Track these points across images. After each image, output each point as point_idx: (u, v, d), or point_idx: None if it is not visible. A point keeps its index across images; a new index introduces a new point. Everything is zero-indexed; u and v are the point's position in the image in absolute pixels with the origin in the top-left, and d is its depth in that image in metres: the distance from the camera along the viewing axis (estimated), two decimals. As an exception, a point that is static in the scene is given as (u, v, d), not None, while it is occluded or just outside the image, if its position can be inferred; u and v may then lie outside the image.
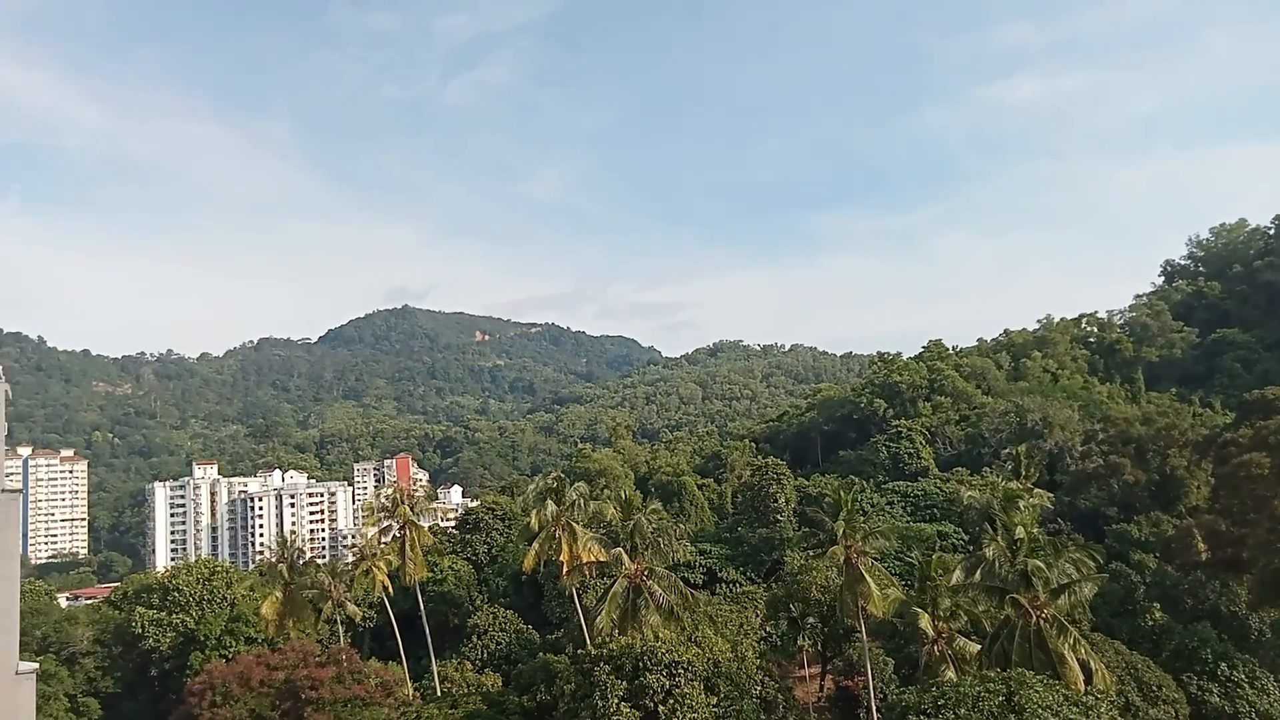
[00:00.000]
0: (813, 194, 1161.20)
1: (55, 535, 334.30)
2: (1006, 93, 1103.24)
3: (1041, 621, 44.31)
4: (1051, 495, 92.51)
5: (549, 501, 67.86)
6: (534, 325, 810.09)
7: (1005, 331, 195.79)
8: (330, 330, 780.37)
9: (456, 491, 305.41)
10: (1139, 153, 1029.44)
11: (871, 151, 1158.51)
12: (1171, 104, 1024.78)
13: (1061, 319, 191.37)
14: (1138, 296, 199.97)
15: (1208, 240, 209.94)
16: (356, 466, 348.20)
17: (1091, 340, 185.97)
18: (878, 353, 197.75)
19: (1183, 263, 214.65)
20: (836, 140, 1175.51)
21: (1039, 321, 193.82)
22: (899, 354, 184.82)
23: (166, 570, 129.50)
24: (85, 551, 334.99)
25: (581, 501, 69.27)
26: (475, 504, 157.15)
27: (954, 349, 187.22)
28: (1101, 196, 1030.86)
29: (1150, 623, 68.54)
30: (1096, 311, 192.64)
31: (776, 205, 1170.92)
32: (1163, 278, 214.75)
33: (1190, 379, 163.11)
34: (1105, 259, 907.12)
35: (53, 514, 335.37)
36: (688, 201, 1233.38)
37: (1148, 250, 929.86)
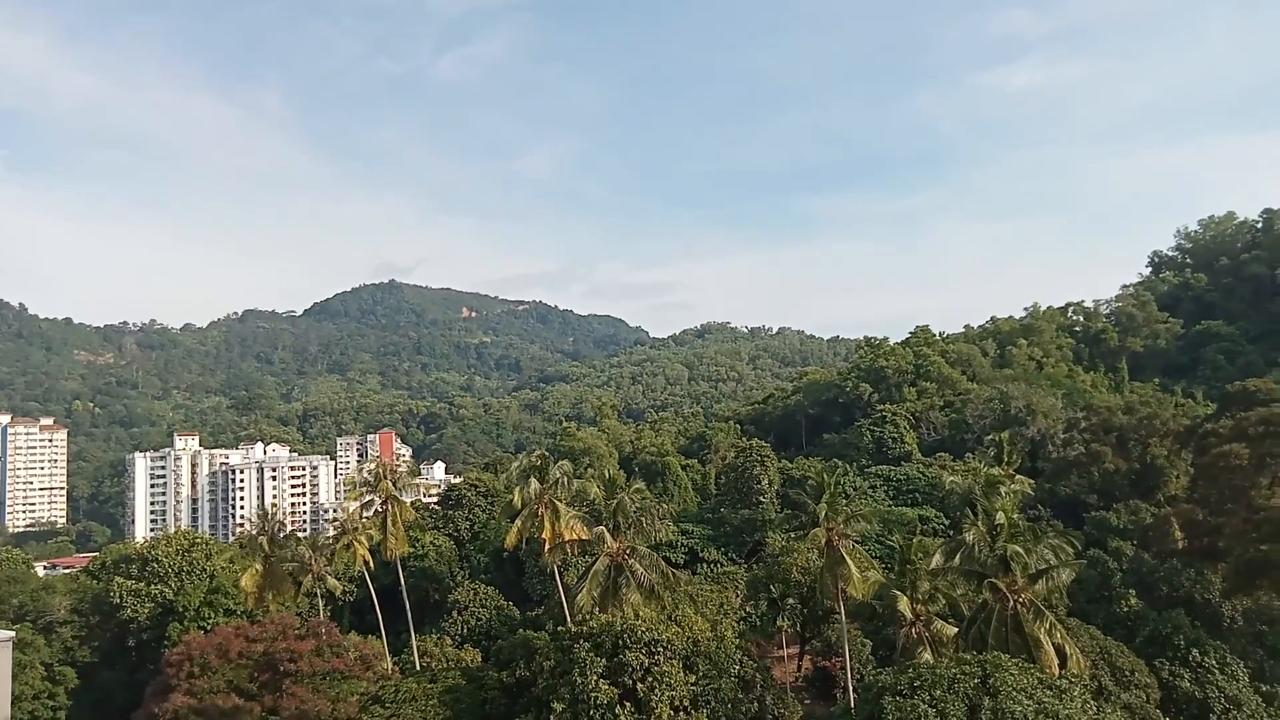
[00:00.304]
0: (807, 178, 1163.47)
1: (33, 504, 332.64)
2: (1004, 79, 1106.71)
3: (1019, 606, 44.58)
4: (1033, 482, 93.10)
5: (532, 479, 67.73)
6: (521, 303, 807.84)
7: (992, 319, 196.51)
8: (316, 303, 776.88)
9: (440, 468, 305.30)
10: (1132, 143, 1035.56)
11: (868, 136, 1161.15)
12: (1166, 95, 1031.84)
13: (1048, 308, 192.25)
14: (1124, 287, 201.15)
15: (1196, 232, 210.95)
16: (339, 441, 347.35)
17: (1077, 329, 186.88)
18: (865, 337, 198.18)
19: (1170, 254, 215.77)
20: (834, 124, 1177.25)
21: (1026, 309, 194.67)
22: (886, 339, 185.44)
23: (146, 541, 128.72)
24: (64, 521, 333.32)
25: (565, 480, 69.17)
26: (458, 480, 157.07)
27: (941, 335, 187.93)
28: (1093, 186, 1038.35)
29: (1125, 609, 69.22)
30: (1083, 301, 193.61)
31: (770, 189, 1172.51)
32: (1150, 269, 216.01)
33: (1174, 370, 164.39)
34: (1094, 249, 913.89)
35: (31, 483, 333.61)
36: (681, 183, 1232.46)
37: (1136, 241, 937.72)
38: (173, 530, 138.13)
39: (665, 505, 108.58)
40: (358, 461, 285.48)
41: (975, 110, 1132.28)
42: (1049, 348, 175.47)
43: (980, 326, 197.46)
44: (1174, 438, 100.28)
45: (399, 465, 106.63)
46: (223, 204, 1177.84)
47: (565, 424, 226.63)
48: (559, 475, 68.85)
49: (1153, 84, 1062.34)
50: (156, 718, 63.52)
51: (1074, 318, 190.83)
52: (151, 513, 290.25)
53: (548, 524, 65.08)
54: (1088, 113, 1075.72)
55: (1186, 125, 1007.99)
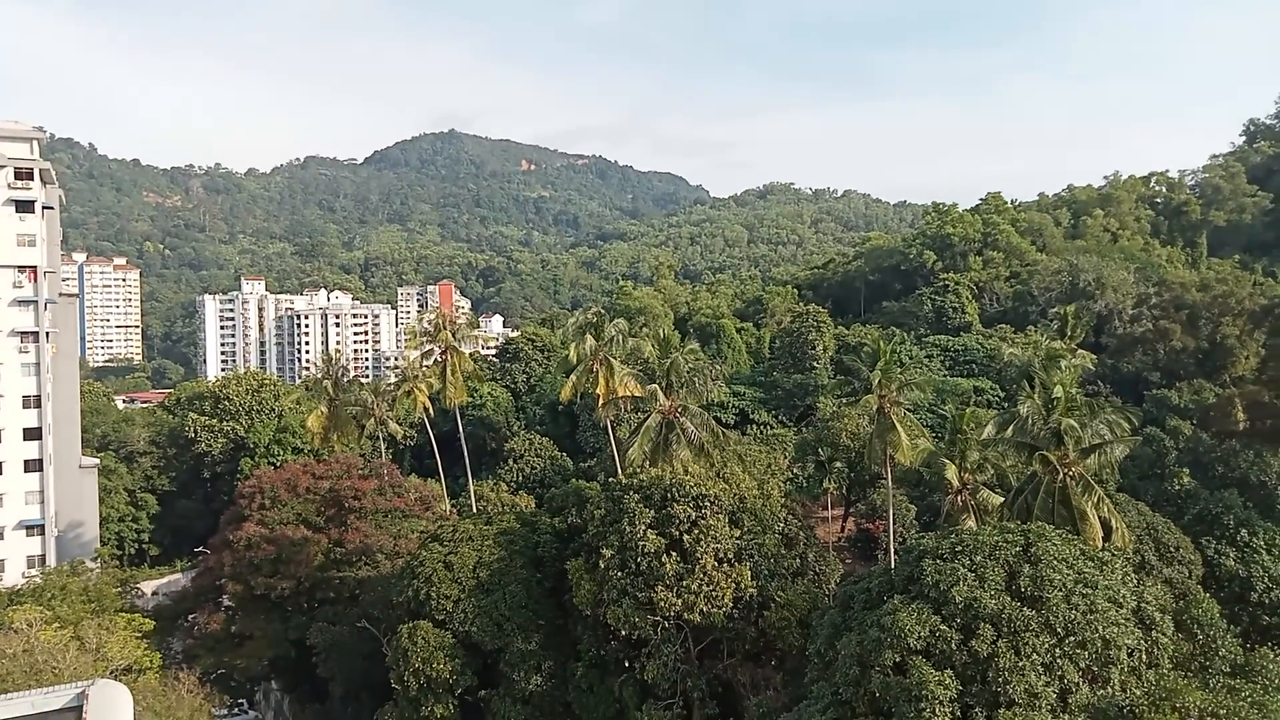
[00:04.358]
0: (877, 30, 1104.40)
1: (111, 340, 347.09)
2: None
3: (1068, 479, 44.46)
4: (1095, 357, 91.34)
5: (588, 336, 68.37)
6: (581, 157, 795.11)
7: (1069, 187, 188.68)
8: (376, 151, 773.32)
9: (498, 321, 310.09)
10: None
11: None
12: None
13: (1129, 177, 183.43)
14: (1214, 157, 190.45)
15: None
16: (400, 291, 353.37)
17: (1158, 200, 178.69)
18: (932, 203, 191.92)
19: (1269, 122, 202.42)
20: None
21: (1105, 178, 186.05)
22: (954, 205, 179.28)
23: (217, 380, 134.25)
24: (139, 358, 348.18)
25: (620, 338, 69.71)
26: (515, 334, 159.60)
27: (1013, 203, 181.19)
28: (1190, 47, 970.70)
29: (1177, 487, 68.79)
30: (1167, 170, 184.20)
31: (838, 41, 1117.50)
32: (1244, 138, 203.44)
33: (1257, 246, 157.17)
34: (1186, 116, 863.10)
35: (108, 320, 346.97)
36: (745, 33, 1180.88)
37: (1233, 108, 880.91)
38: (242, 371, 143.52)
39: (718, 367, 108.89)
40: (418, 312, 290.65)
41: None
42: (1126, 219, 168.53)
43: (1055, 195, 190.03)
44: (1248, 317, 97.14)
45: (458, 317, 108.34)
46: (284, 45, 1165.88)
47: (622, 282, 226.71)
48: (614, 333, 69.36)
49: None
50: (231, 544, 67.78)
51: (1156, 188, 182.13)
52: (222, 353, 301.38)
53: (602, 380, 66.04)
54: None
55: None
